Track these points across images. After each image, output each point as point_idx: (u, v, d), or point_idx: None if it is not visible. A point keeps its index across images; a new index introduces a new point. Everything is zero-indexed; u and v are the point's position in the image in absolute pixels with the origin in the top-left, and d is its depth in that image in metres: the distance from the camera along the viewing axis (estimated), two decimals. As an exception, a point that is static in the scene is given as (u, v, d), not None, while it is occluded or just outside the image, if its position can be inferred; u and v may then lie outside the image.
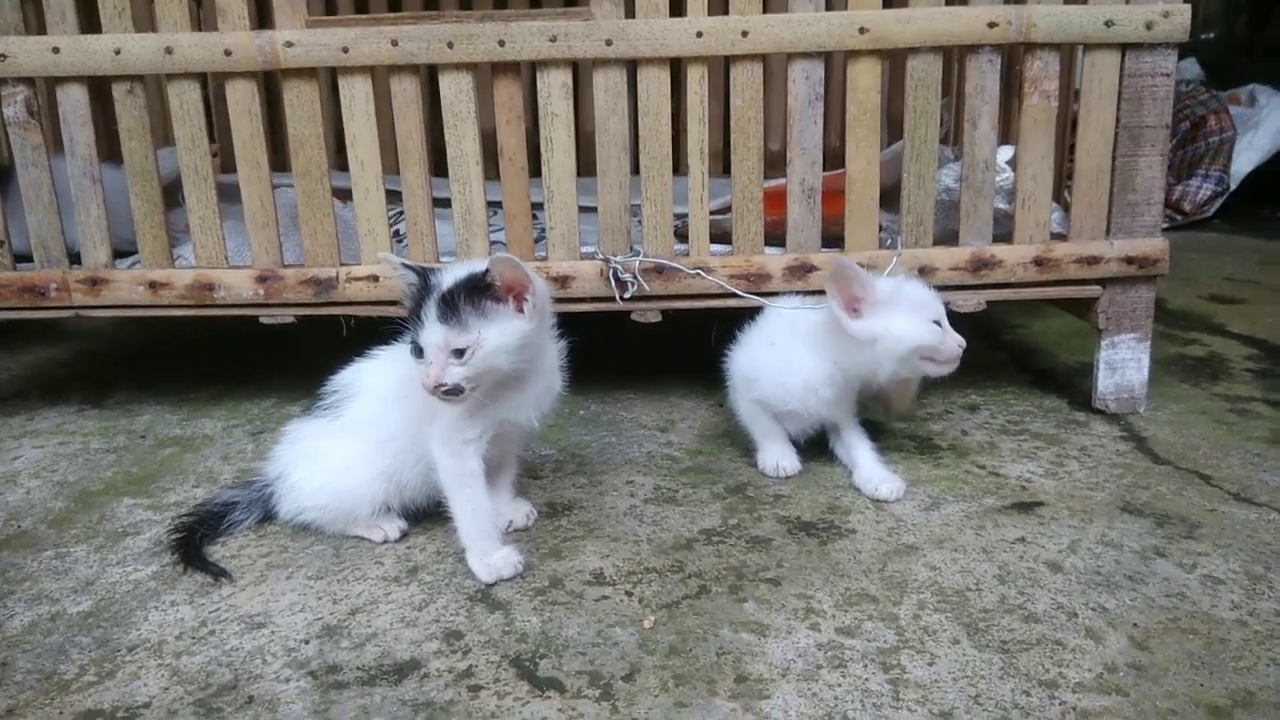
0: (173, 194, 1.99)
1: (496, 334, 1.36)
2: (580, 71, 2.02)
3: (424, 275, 1.40)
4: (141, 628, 1.34)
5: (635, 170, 1.87)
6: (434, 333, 1.34)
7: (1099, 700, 1.15)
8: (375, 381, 1.53)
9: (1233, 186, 4.16)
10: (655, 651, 1.26)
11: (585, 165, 1.98)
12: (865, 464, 1.70)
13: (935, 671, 1.21)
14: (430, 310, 1.35)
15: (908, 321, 1.62)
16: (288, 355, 2.49)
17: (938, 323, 1.62)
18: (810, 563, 1.46)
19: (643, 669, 1.22)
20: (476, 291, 1.35)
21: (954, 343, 1.63)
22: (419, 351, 1.37)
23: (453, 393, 1.36)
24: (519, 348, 1.39)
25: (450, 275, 1.38)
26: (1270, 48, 5.23)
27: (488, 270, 1.35)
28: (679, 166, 1.88)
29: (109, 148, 1.99)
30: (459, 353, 1.34)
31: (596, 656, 1.25)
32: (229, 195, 1.95)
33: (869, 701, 1.15)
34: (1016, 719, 1.12)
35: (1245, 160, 4.22)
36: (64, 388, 2.34)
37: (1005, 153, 1.95)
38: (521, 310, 1.39)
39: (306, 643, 1.30)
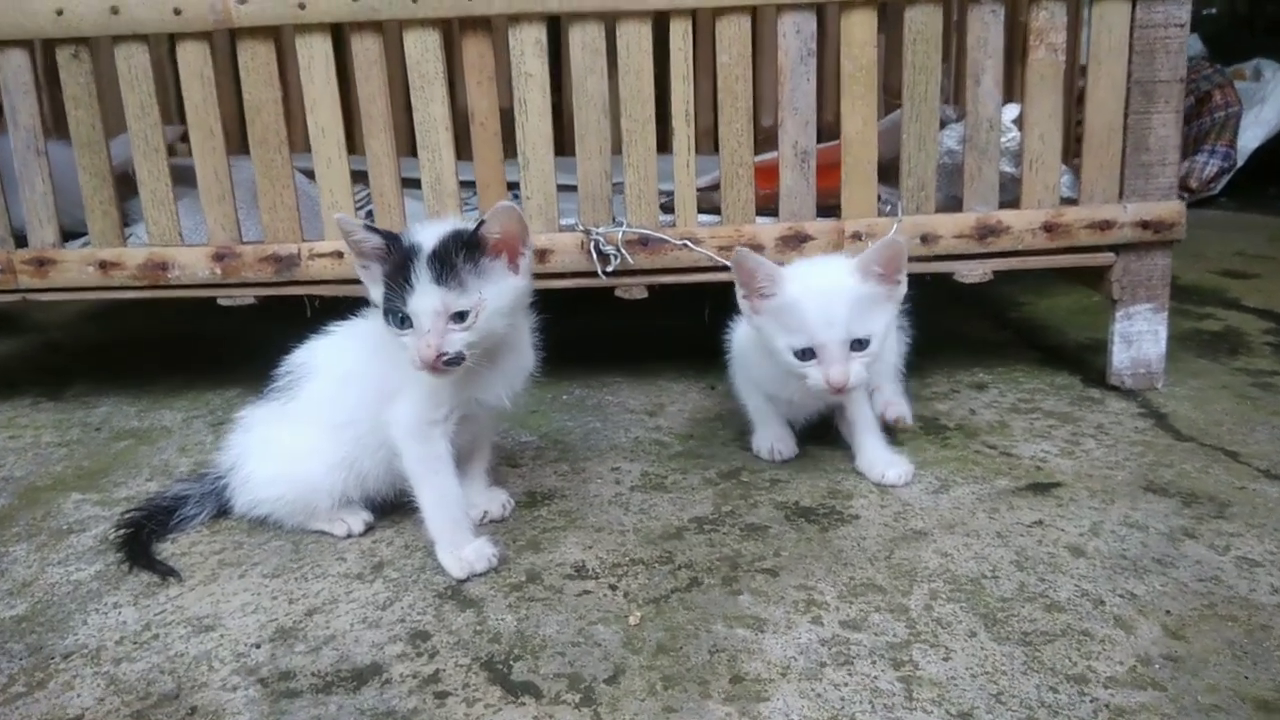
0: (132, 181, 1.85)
1: (495, 293, 1.25)
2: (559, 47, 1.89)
3: (392, 239, 1.27)
4: (79, 632, 1.22)
5: (616, 150, 1.75)
6: (429, 297, 1.21)
7: (1134, 696, 1.04)
8: (330, 360, 1.41)
9: (1239, 163, 4.04)
10: (641, 650, 1.14)
11: (563, 145, 1.85)
12: (869, 446, 1.57)
13: (951, 667, 1.09)
14: (421, 272, 1.22)
15: (780, 339, 1.45)
16: (256, 343, 2.35)
17: (810, 351, 1.42)
18: (811, 551, 1.34)
19: (627, 670, 1.10)
20: (471, 247, 1.23)
21: (819, 381, 1.42)
22: (402, 321, 1.24)
23: (454, 362, 1.24)
24: (512, 308, 1.29)
25: (429, 235, 1.26)
26: (1271, 23, 5.13)
27: (482, 223, 1.23)
28: (664, 145, 1.75)
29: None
30: (459, 316, 1.23)
31: (577, 657, 1.13)
32: (190, 178, 1.82)
33: (879, 702, 1.04)
34: (1044, 718, 1.01)
35: (1252, 136, 4.10)
36: (19, 381, 2.21)
37: (1010, 111, 1.83)
38: (515, 267, 1.27)
39: (258, 647, 1.18)
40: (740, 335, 1.68)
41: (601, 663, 1.12)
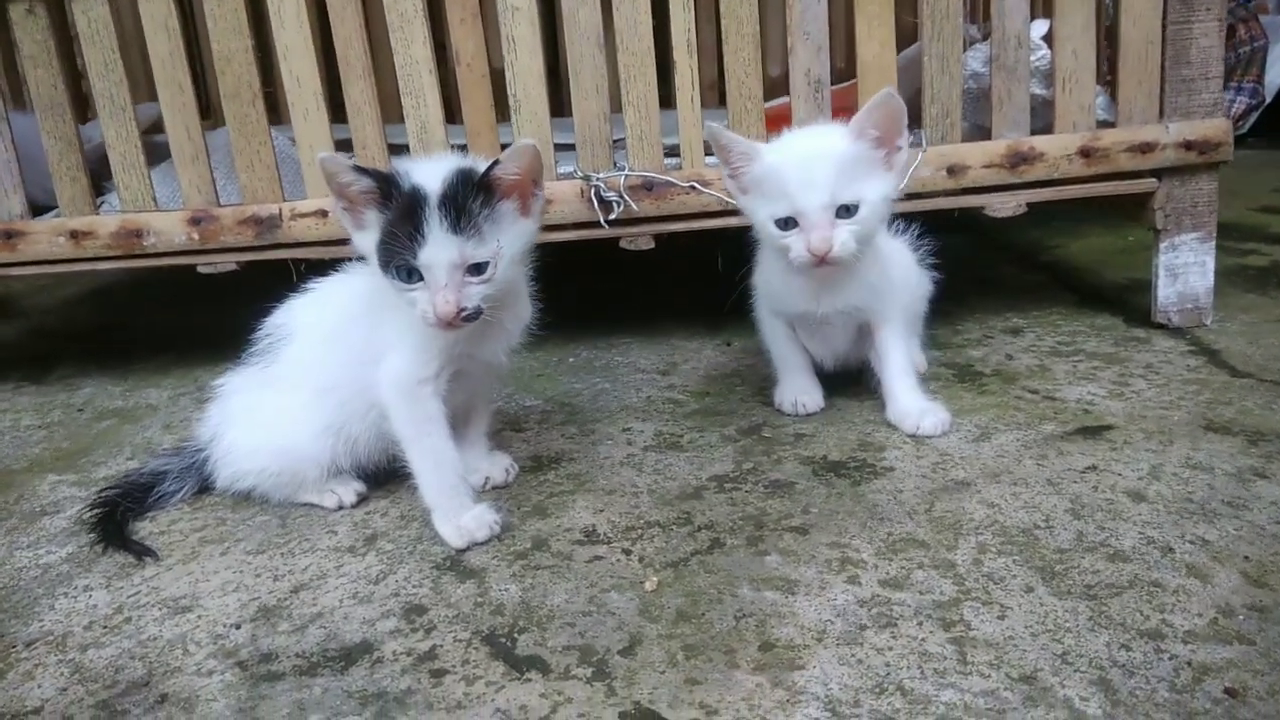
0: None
1: (510, 239, 1.14)
2: None
3: (389, 181, 1.13)
4: (45, 618, 1.12)
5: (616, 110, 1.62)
6: (445, 247, 1.08)
7: (1218, 651, 0.92)
8: (309, 319, 1.29)
9: (1269, 99, 3.87)
10: (660, 619, 1.02)
11: (557, 107, 1.72)
12: (901, 394, 1.44)
13: (1008, 626, 0.97)
14: (433, 220, 1.08)
15: (762, 211, 1.34)
16: (248, 318, 2.25)
17: (793, 220, 1.31)
18: (843, 506, 1.22)
19: (645, 640, 0.99)
20: (482, 191, 1.11)
21: (801, 251, 1.30)
22: (409, 274, 1.11)
23: (472, 317, 1.12)
24: (525, 255, 1.18)
25: (430, 175, 1.12)
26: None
27: (496, 163, 1.10)
28: (665, 101, 1.62)
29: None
30: (476, 268, 1.11)
31: (588, 628, 1.02)
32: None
33: (929, 667, 0.92)
34: (1117, 679, 0.89)
35: (1279, 71, 3.93)
36: (3, 367, 2.11)
37: (1039, 27, 1.69)
38: (527, 210, 1.15)
39: (237, 627, 1.07)
40: (759, 267, 1.54)
41: (615, 633, 1.00)
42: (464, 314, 1.11)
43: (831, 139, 1.32)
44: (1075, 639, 0.95)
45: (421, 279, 1.11)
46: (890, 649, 0.95)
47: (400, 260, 1.11)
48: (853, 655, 0.94)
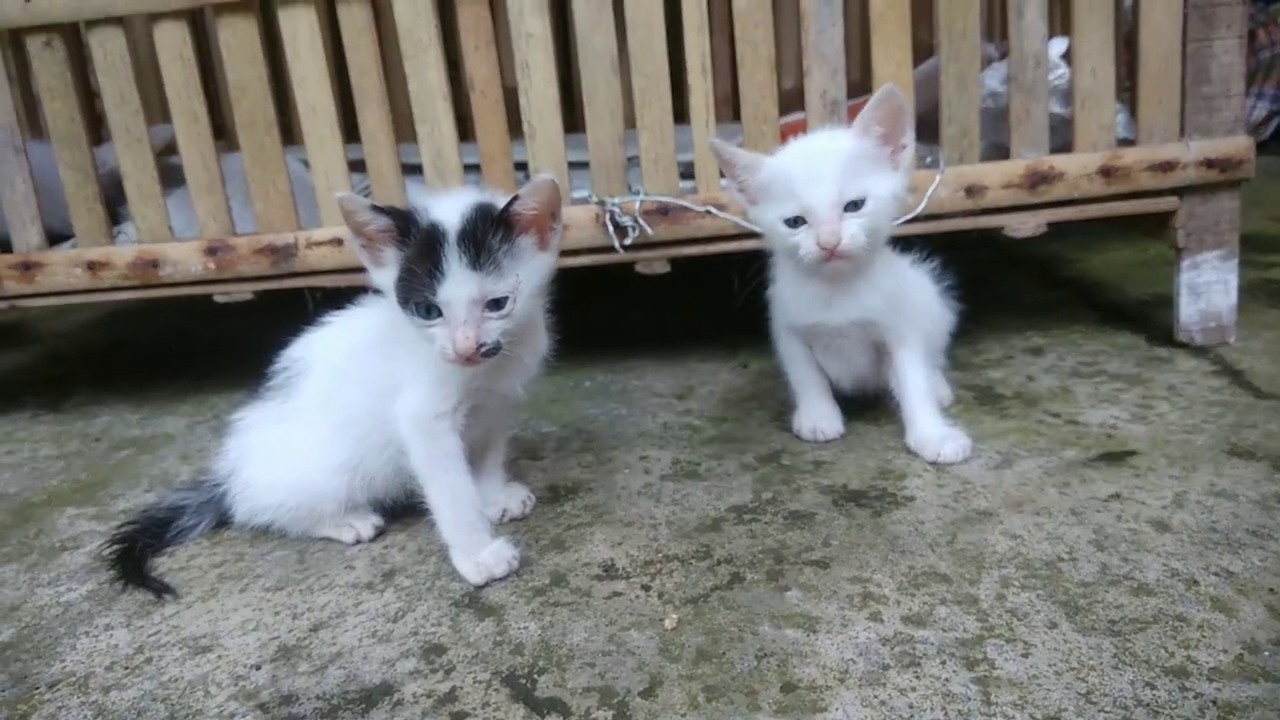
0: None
1: (529, 274, 1.13)
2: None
3: (407, 219, 1.13)
4: (67, 659, 1.12)
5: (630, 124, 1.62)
6: (464, 283, 1.08)
7: (1244, 689, 0.90)
8: (327, 354, 1.29)
9: (1289, 104, 3.84)
10: (680, 658, 1.01)
11: (572, 123, 1.71)
12: (921, 419, 1.43)
13: (1032, 664, 0.96)
14: (451, 256, 1.08)
15: (771, 213, 1.36)
16: (262, 344, 2.26)
17: (801, 219, 1.32)
18: (863, 538, 1.21)
19: (665, 681, 0.98)
20: (502, 227, 1.11)
21: (811, 247, 1.31)
22: (428, 311, 1.11)
23: (491, 353, 1.12)
24: (543, 289, 1.18)
25: (448, 211, 1.12)
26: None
27: (516, 198, 1.10)
28: (679, 116, 1.62)
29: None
30: (495, 304, 1.11)
31: (608, 668, 1.01)
32: (184, 177, 1.71)
33: (953, 708, 0.91)
34: (1142, 719, 0.87)
35: (1299, 76, 3.89)
36: (21, 394, 2.13)
37: (1058, 46, 1.68)
38: (545, 245, 1.15)
39: (258, 668, 1.07)
40: (775, 276, 1.52)
41: (636, 673, 1.00)
42: (484, 349, 1.11)
43: (836, 138, 1.34)
44: (1099, 677, 0.93)
45: (441, 315, 1.10)
46: (914, 689, 0.93)
47: (419, 297, 1.10)
48: (875, 697, 0.93)
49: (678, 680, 0.98)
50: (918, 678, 0.95)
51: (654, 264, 1.69)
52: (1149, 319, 1.92)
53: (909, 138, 1.33)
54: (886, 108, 1.30)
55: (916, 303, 1.47)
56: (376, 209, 1.13)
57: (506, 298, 1.11)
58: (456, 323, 1.10)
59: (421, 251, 1.10)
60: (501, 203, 1.12)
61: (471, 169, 1.71)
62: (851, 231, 1.29)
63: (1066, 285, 2.25)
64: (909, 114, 1.32)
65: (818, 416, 1.51)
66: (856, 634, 1.02)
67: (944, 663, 0.97)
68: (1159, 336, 1.82)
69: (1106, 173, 1.63)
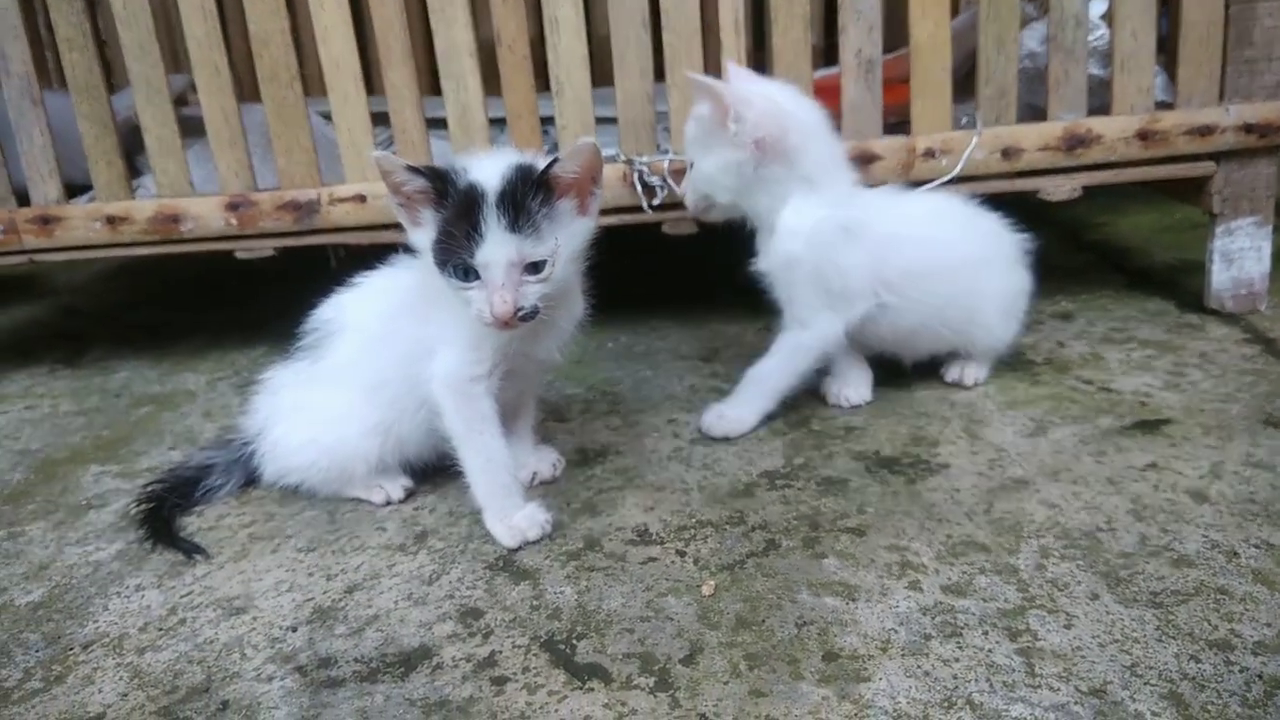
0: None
1: (568, 238, 1.11)
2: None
3: (444, 179, 1.10)
4: (100, 619, 1.12)
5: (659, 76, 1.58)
6: (503, 246, 1.06)
7: (1292, 665, 0.90)
8: (359, 315, 1.28)
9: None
10: (719, 625, 1.01)
11: (604, 75, 1.68)
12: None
13: (1075, 636, 0.95)
14: (490, 218, 1.06)
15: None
16: (281, 296, 2.24)
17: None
18: (899, 506, 1.21)
19: (705, 648, 0.98)
20: (540, 189, 1.09)
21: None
22: (466, 273, 1.09)
23: (529, 317, 1.10)
24: (582, 253, 1.16)
25: (488, 171, 1.10)
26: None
27: (556, 160, 1.08)
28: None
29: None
30: (534, 267, 1.09)
31: (647, 634, 1.01)
32: (201, 128, 1.67)
33: (997, 680, 0.90)
34: (1188, 693, 0.87)
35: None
36: (37, 347, 2.11)
37: (1098, 6, 1.64)
38: (585, 208, 1.13)
39: (294, 630, 1.07)
40: None
41: (675, 640, 0.99)
42: (521, 313, 1.09)
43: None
44: (1144, 650, 0.93)
45: (478, 278, 1.09)
46: (957, 660, 0.93)
47: (457, 259, 1.08)
48: (919, 667, 0.93)
49: (718, 648, 0.98)
50: (960, 648, 0.95)
51: (681, 225, 1.66)
52: (1178, 284, 1.90)
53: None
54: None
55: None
56: (413, 169, 1.10)
57: (545, 261, 1.09)
58: (494, 286, 1.08)
59: (459, 213, 1.08)
60: (541, 164, 1.09)
61: (496, 123, 1.68)
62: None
63: (1093, 249, 2.22)
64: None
65: (842, 383, 1.49)
66: (896, 603, 1.02)
67: (986, 633, 0.96)
68: (1189, 303, 1.80)
69: (1144, 136, 1.60)
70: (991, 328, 1.48)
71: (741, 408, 1.43)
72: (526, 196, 1.07)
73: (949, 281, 1.43)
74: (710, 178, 1.38)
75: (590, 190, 1.12)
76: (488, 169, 1.10)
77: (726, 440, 1.41)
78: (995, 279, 1.47)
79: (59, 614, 1.13)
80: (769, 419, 1.45)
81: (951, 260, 1.43)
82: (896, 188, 1.51)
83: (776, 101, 1.34)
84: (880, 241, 1.39)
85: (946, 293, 1.43)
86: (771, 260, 1.41)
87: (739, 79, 1.37)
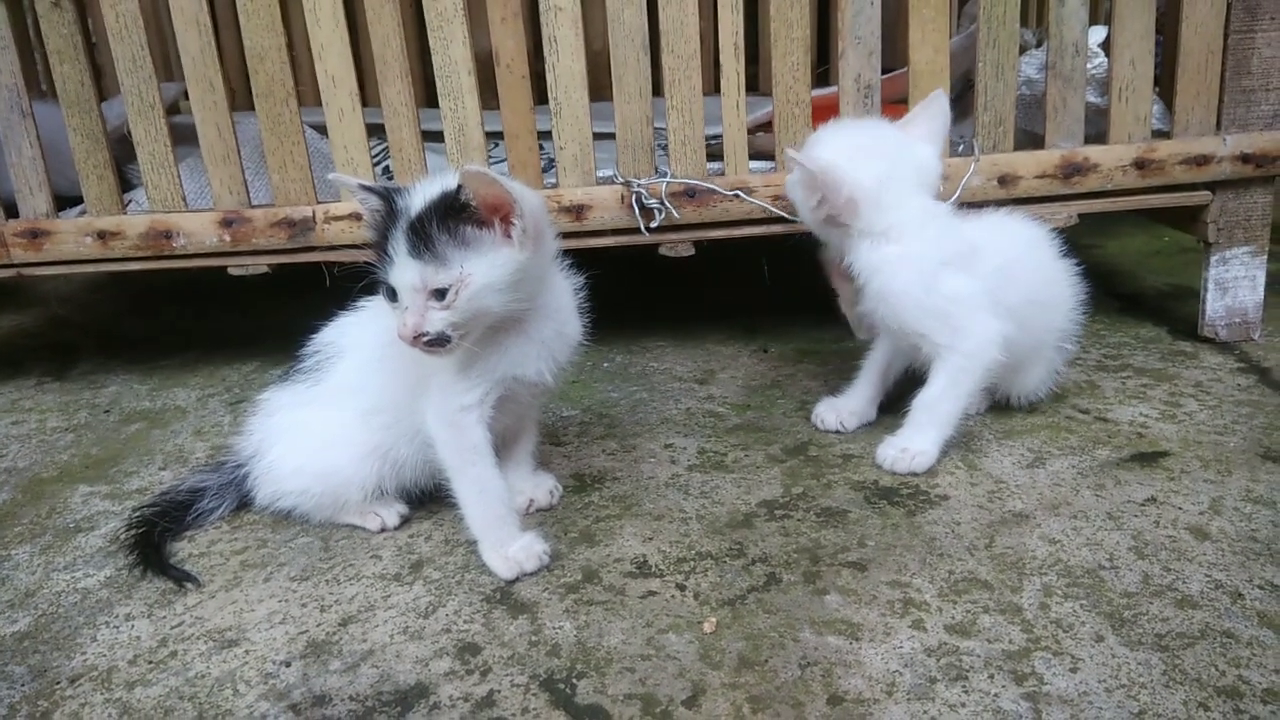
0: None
1: (484, 267, 1.08)
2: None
3: (388, 198, 1.12)
4: (88, 651, 1.09)
5: (657, 92, 1.57)
6: (406, 270, 1.07)
7: (1297, 712, 0.89)
8: (360, 340, 1.26)
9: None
10: (722, 665, 1.00)
11: (598, 89, 1.67)
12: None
13: (1081, 680, 0.95)
14: (399, 242, 1.07)
15: None
16: (273, 311, 2.22)
17: None
18: (899, 539, 1.20)
19: (708, 689, 0.97)
20: (453, 215, 1.07)
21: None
22: (393, 294, 1.11)
23: (436, 343, 1.09)
24: (514, 283, 1.11)
25: (420, 196, 1.11)
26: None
27: (460, 187, 1.06)
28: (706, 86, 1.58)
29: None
30: (440, 293, 1.08)
31: (648, 673, 0.99)
32: (193, 137, 1.65)
33: (1003, 725, 0.90)
34: (1195, 741, 0.87)
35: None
36: (24, 359, 2.08)
37: (1096, 35, 1.64)
38: (510, 236, 1.10)
39: (287, 665, 1.05)
40: None
41: (677, 680, 0.98)
42: (425, 339, 1.08)
43: None
44: (1151, 696, 0.92)
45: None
46: (963, 705, 0.92)
47: (381, 279, 1.11)
48: (925, 712, 0.92)
49: (721, 689, 0.97)
50: (966, 692, 0.94)
51: (679, 247, 1.65)
52: (1169, 311, 1.91)
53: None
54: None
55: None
56: (366, 188, 1.13)
57: (448, 288, 1.07)
58: (402, 307, 1.09)
59: (383, 235, 1.11)
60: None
61: (492, 136, 1.66)
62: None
63: (1084, 272, 2.22)
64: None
65: (839, 408, 1.49)
66: (900, 643, 1.01)
67: (992, 676, 0.96)
68: (1181, 330, 1.80)
69: (1141, 165, 1.61)
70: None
71: (922, 440, 1.37)
72: (433, 222, 1.06)
73: (1054, 310, 1.44)
74: (816, 230, 1.39)
75: (509, 218, 1.08)
76: (422, 193, 1.10)
77: (912, 475, 1.36)
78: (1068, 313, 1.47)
79: (45, 645, 1.11)
80: (770, 446, 1.45)
81: (1058, 290, 1.45)
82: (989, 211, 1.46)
83: (839, 170, 1.32)
84: (996, 270, 1.36)
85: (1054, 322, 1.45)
86: (870, 306, 1.38)
87: (817, 144, 1.36)
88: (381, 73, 1.55)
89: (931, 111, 1.38)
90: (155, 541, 1.26)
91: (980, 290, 1.34)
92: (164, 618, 1.14)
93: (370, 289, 1.27)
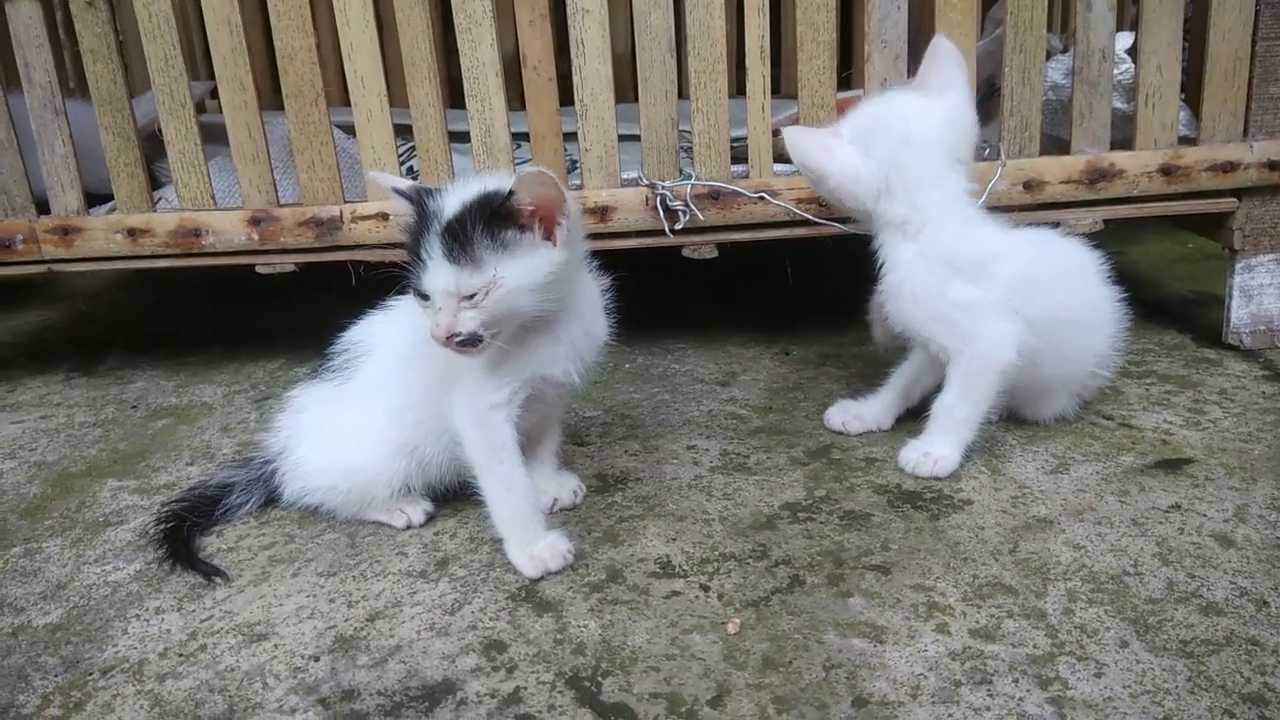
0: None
1: (520, 270, 1.09)
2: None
3: (420, 200, 1.13)
4: (119, 643, 1.11)
5: (682, 95, 1.58)
6: (440, 274, 1.08)
7: (1325, 721, 0.89)
8: (389, 338, 1.27)
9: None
10: (746, 666, 1.00)
11: (622, 90, 1.68)
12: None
13: (1106, 685, 0.95)
14: (433, 246, 1.08)
15: None
16: (299, 308, 2.24)
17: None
18: (923, 543, 1.20)
19: (733, 690, 0.97)
20: (494, 219, 1.08)
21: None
22: (424, 295, 1.12)
23: (469, 343, 1.10)
24: (547, 284, 1.12)
25: (455, 197, 1.11)
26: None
27: (511, 192, 1.07)
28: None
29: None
30: (471, 296, 1.09)
31: (673, 673, 1.00)
32: (221, 135, 1.67)
33: (1028, 730, 0.90)
34: (1221, 749, 0.87)
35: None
36: (52, 354, 2.11)
37: (1123, 40, 1.64)
38: (551, 237, 1.11)
39: (316, 659, 1.06)
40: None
41: (702, 680, 0.99)
42: (458, 339, 1.09)
43: None
44: (1176, 702, 0.92)
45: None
46: (988, 709, 0.93)
47: (414, 281, 1.11)
48: (950, 715, 0.92)
49: (745, 689, 0.97)
50: (991, 696, 0.94)
51: (702, 249, 1.66)
52: (1193, 318, 1.90)
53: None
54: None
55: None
56: (398, 191, 1.15)
57: (479, 291, 1.08)
58: (434, 309, 1.10)
59: (416, 237, 1.11)
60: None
61: (518, 137, 1.68)
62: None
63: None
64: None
65: (848, 410, 1.50)
66: (925, 646, 1.02)
67: (1016, 681, 0.96)
68: (1205, 337, 1.80)
69: (1167, 171, 1.60)
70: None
71: (943, 445, 1.36)
72: (471, 227, 1.07)
73: (1089, 333, 1.42)
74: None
75: (556, 220, 1.10)
76: (456, 195, 1.11)
77: (934, 479, 1.36)
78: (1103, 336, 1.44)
79: (78, 636, 1.13)
80: (793, 449, 1.45)
81: (1093, 313, 1.42)
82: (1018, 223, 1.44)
83: (819, 155, 1.32)
84: (1016, 282, 1.33)
85: (1089, 345, 1.42)
86: (886, 300, 1.38)
87: (848, 123, 1.35)
88: (410, 74, 1.57)
89: (936, 58, 1.32)
90: (184, 536, 1.28)
91: (993, 298, 1.32)
92: (193, 611, 1.16)
93: (398, 288, 1.29)
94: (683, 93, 1.61)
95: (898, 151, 1.31)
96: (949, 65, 1.32)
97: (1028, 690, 0.95)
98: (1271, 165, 1.61)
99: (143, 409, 1.78)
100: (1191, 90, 1.66)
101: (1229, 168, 1.61)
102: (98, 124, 1.64)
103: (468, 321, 1.09)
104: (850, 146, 1.32)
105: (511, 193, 1.07)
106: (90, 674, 1.06)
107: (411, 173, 1.79)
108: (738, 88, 1.63)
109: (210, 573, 1.22)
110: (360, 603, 1.15)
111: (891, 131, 1.31)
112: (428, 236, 1.09)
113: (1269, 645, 0.99)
